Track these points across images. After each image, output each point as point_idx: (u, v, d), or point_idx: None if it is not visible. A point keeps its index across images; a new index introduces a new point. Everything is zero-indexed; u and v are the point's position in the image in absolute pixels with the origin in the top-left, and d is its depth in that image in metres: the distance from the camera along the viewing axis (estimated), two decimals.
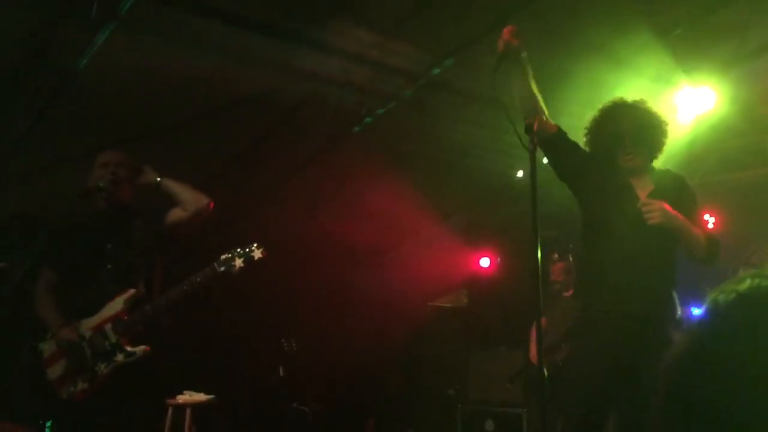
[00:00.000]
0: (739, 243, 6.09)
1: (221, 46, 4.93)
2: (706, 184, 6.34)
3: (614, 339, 3.01)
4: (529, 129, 2.72)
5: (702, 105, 5.28)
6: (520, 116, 3.00)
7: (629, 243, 3.04)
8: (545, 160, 6.23)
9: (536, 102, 3.11)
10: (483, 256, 8.65)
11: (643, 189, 3.16)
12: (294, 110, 5.91)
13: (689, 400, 0.85)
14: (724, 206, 6.27)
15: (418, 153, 6.79)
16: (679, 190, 3.19)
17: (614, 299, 3.04)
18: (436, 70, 5.35)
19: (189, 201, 3.59)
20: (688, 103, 5.23)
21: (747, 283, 0.90)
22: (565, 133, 3.24)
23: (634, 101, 3.26)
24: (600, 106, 3.35)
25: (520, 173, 7.19)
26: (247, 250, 3.54)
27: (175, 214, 3.61)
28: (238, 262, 3.50)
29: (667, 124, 3.26)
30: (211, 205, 3.64)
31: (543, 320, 5.90)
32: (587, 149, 3.31)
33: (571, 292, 5.89)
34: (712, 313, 0.91)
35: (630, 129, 3.16)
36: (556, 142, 3.20)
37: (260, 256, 3.55)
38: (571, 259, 5.74)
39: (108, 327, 3.44)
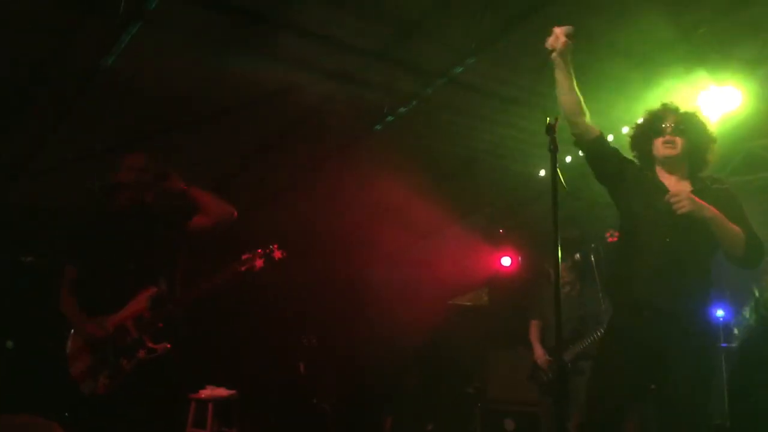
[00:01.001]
0: (765, 243, 6.01)
1: (245, 44, 4.96)
2: (732, 184, 6.25)
3: (641, 333, 3.01)
4: (550, 129, 2.73)
5: (727, 104, 5.22)
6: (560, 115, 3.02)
7: (658, 243, 3.04)
8: (568, 159, 6.24)
9: (579, 102, 3.14)
10: (504, 255, 8.63)
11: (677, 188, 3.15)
12: (316, 108, 5.93)
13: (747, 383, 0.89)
14: (750, 206, 6.18)
15: (439, 151, 6.79)
16: (721, 196, 3.15)
17: (644, 292, 3.04)
18: (458, 69, 5.34)
19: (214, 210, 3.65)
20: (713, 102, 5.18)
21: None
22: (605, 138, 3.28)
23: (688, 108, 3.30)
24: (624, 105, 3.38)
25: (542, 172, 7.17)
26: (268, 251, 3.60)
27: (199, 220, 3.66)
28: (259, 262, 3.56)
29: (714, 139, 3.26)
30: (235, 214, 3.68)
31: (537, 322, 5.95)
32: (630, 142, 3.36)
33: (575, 293, 5.87)
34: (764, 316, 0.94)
35: (674, 118, 3.21)
36: (597, 146, 3.25)
37: (280, 256, 3.60)
38: (593, 258, 5.71)
39: (130, 323, 3.49)
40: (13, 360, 6.11)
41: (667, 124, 3.19)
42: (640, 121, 3.36)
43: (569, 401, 5.38)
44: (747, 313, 5.57)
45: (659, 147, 3.20)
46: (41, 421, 3.17)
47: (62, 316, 3.64)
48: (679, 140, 3.17)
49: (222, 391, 6.50)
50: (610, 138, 3.51)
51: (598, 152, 3.26)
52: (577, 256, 5.76)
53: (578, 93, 3.13)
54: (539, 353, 5.92)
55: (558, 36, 2.99)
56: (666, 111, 3.27)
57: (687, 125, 3.20)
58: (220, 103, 5.66)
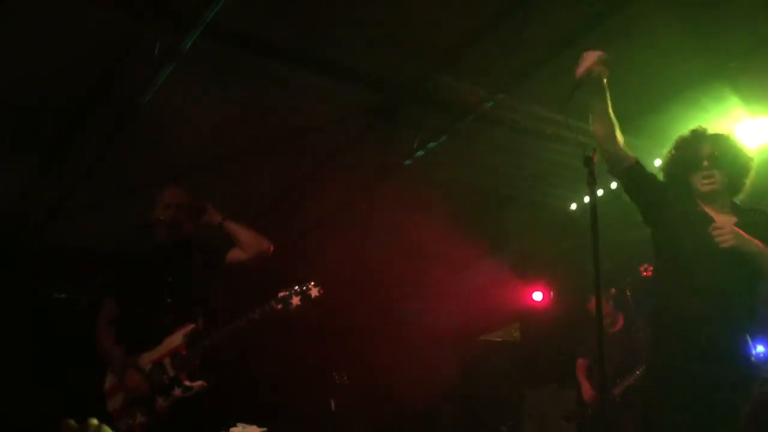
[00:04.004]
0: None
1: (276, 81, 5.03)
2: None
3: (686, 375, 2.91)
4: (588, 161, 2.69)
5: (763, 136, 5.16)
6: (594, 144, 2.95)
7: (705, 274, 2.95)
8: (600, 192, 6.17)
9: (614, 129, 3.04)
10: (536, 290, 8.51)
11: (722, 220, 3.05)
12: (347, 144, 5.97)
13: None
14: None
15: (470, 186, 6.77)
16: (766, 226, 3.04)
17: (688, 334, 2.94)
18: (488, 104, 5.34)
19: (250, 244, 3.66)
20: (749, 134, 5.11)
21: None
22: (642, 165, 3.18)
23: (719, 131, 3.19)
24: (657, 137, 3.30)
25: (573, 206, 7.11)
26: (305, 288, 3.55)
27: (236, 254, 3.67)
28: (296, 300, 3.52)
29: (752, 160, 3.15)
30: (271, 248, 3.69)
31: (585, 360, 5.84)
32: (663, 174, 3.26)
33: (617, 327, 5.79)
34: None
35: (709, 152, 3.08)
36: (633, 174, 3.15)
37: (317, 294, 3.56)
38: (628, 293, 5.62)
39: (167, 361, 3.48)
40: (50, 394, 6.14)
41: (704, 158, 3.08)
42: (672, 151, 3.24)
43: None
44: None
45: (698, 182, 3.10)
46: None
47: (100, 352, 3.65)
48: (717, 173, 3.07)
49: (254, 430, 6.44)
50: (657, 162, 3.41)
51: (634, 181, 3.16)
52: (613, 290, 5.67)
53: (614, 119, 3.03)
54: (586, 389, 5.80)
55: (592, 63, 2.89)
56: (700, 141, 3.14)
57: (723, 155, 3.08)
58: (253, 141, 5.72)
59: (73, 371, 5.91)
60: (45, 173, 5.84)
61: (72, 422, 1.43)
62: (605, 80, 2.95)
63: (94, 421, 1.43)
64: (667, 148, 3.33)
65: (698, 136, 3.18)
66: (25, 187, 6.07)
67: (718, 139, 3.15)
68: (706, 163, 3.08)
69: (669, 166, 3.26)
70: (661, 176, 3.30)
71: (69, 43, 4.43)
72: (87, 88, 4.87)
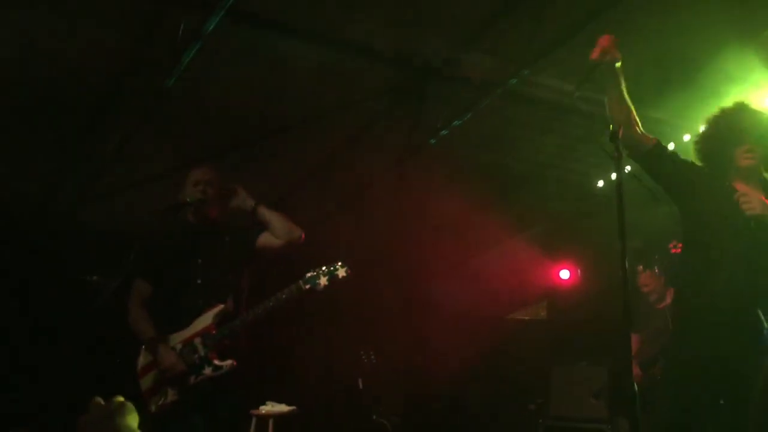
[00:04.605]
0: None
1: (300, 62, 5.02)
2: None
3: (712, 346, 2.91)
4: (613, 136, 2.66)
5: None
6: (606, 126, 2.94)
7: (730, 248, 2.93)
8: (627, 168, 6.11)
9: (630, 113, 3.03)
10: (563, 268, 8.46)
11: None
12: (370, 124, 5.96)
13: None
14: None
15: (495, 164, 6.73)
16: None
17: (710, 307, 2.94)
18: (513, 81, 5.29)
19: (282, 231, 3.66)
20: None
21: None
22: (662, 146, 3.17)
23: (753, 105, 3.19)
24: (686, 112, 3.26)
25: (600, 182, 7.03)
26: (332, 268, 3.58)
27: (267, 240, 3.68)
28: (323, 280, 3.54)
29: None
30: (303, 237, 3.70)
31: (637, 336, 5.75)
32: (697, 151, 3.23)
33: (665, 303, 5.71)
34: None
35: (754, 127, 3.08)
36: (654, 156, 3.13)
37: (344, 274, 3.58)
38: (657, 270, 5.55)
39: (198, 341, 3.54)
40: (82, 374, 6.28)
41: (745, 131, 3.06)
42: (709, 127, 3.21)
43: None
44: None
45: (740, 157, 3.07)
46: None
47: (132, 333, 3.70)
48: (758, 148, 3.05)
49: (282, 407, 6.53)
50: (671, 146, 3.41)
51: (655, 162, 3.14)
52: (640, 267, 5.61)
53: (629, 103, 3.03)
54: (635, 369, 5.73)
55: (607, 49, 2.89)
56: (739, 115, 3.13)
57: (762, 128, 3.07)
58: (276, 122, 5.74)
59: (105, 351, 6.03)
60: (75, 156, 5.92)
61: (99, 399, 1.48)
62: (618, 65, 2.96)
63: (120, 398, 1.47)
64: (695, 122, 3.30)
65: (735, 110, 3.16)
66: (55, 171, 6.16)
67: (755, 113, 3.14)
68: (749, 138, 3.07)
69: (706, 142, 3.23)
70: (690, 152, 3.27)
71: (94, 26, 4.46)
72: (114, 72, 4.91)
